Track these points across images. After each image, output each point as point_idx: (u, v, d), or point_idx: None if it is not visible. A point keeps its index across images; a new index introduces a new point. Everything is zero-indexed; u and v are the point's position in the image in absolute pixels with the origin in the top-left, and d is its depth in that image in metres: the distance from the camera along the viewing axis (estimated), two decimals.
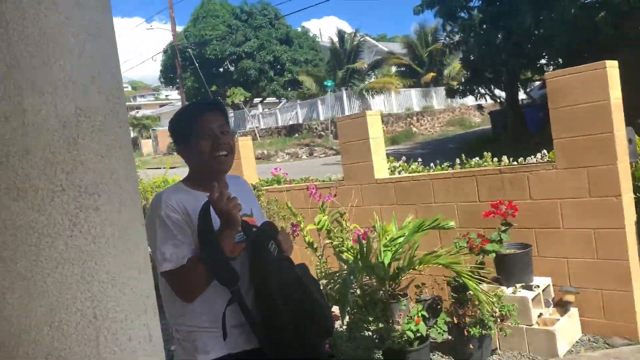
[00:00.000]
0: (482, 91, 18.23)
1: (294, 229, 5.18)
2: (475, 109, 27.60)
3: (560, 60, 16.37)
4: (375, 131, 5.07)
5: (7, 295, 0.75)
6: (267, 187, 6.42)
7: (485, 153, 5.19)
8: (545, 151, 4.58)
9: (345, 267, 4.53)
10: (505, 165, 4.62)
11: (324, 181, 6.03)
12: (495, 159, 5.08)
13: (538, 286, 3.80)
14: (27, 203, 0.76)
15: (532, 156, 4.80)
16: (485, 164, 4.89)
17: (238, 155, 6.61)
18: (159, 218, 1.71)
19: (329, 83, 26.15)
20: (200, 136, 1.78)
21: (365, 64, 29.38)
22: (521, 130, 18.05)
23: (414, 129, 25.91)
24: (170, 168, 9.38)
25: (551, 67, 18.33)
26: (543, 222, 3.98)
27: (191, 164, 1.88)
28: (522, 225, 4.06)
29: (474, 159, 5.18)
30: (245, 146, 6.61)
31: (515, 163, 4.88)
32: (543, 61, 17.20)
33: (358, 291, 3.99)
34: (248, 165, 6.64)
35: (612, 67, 3.61)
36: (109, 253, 0.82)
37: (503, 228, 3.87)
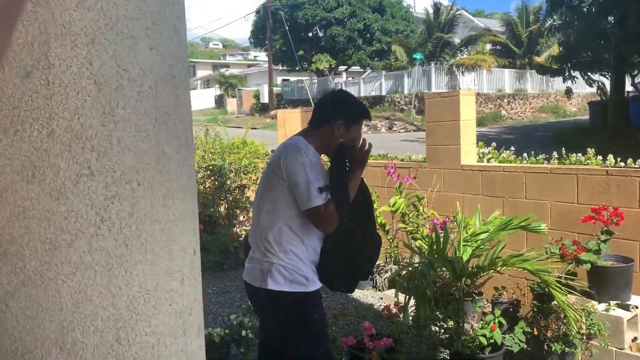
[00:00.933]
0: (574, 74, 16.78)
1: None
2: (565, 94, 25.81)
3: None
4: (468, 113, 4.69)
5: (11, 303, 0.57)
6: None
7: (589, 149, 4.67)
8: None
9: (417, 256, 4.27)
10: (612, 165, 4.12)
11: (402, 160, 5.72)
12: (600, 157, 4.56)
13: (637, 307, 3.36)
14: (43, 187, 0.56)
15: None
16: (588, 161, 4.40)
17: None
18: (308, 160, 2.05)
19: (417, 56, 25.24)
20: (352, 135, 2.22)
21: (458, 40, 28.09)
22: (622, 125, 16.62)
23: (503, 112, 24.64)
24: (252, 129, 9.36)
25: None
26: None
27: (330, 138, 2.21)
28: (625, 236, 3.60)
29: (574, 154, 4.68)
30: (289, 117, 6.40)
31: (622, 164, 4.35)
32: None
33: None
34: None
35: None
36: (145, 259, 0.62)
37: (603, 237, 3.44)
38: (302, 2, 31.46)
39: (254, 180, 6.30)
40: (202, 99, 48.43)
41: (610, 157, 4.55)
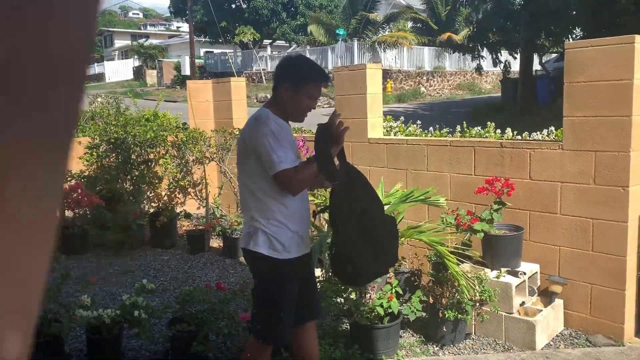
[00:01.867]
0: (482, 53, 17.45)
1: None
2: (485, 75, 26.87)
3: (576, 30, 15.65)
4: (374, 87, 4.69)
5: None
6: None
7: (488, 123, 4.83)
8: (552, 128, 4.22)
9: (326, 227, 4.27)
10: (508, 138, 4.27)
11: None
12: (499, 131, 4.73)
13: (524, 273, 3.53)
14: None
15: (538, 132, 4.45)
16: (487, 135, 4.54)
17: (229, 97, 6.24)
18: (269, 130, 2.17)
19: (340, 32, 25.28)
20: (309, 95, 2.29)
21: (381, 16, 28.34)
22: (531, 102, 17.51)
23: (423, 89, 25.26)
24: (167, 101, 8.82)
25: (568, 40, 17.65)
26: (540, 205, 3.67)
27: (284, 103, 2.30)
28: (517, 206, 3.76)
29: (475, 128, 4.83)
30: (237, 87, 6.22)
31: (519, 137, 4.53)
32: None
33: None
34: (239, 107, 6.27)
35: None
36: None
37: (496, 207, 3.57)
38: None
39: (163, 154, 6.04)
40: (120, 70, 46.25)
41: (508, 130, 4.74)
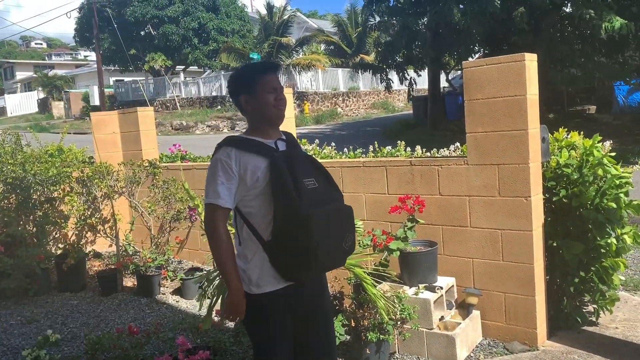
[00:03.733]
0: (389, 73, 18.19)
1: (191, 213, 4.73)
2: (397, 93, 27.90)
3: (476, 47, 16.63)
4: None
5: None
6: (169, 164, 5.87)
7: (399, 142, 4.95)
8: (458, 144, 4.38)
9: None
10: (417, 156, 4.38)
11: None
12: (409, 149, 4.85)
13: (441, 287, 3.60)
14: None
15: (445, 148, 4.61)
16: (397, 153, 4.64)
17: (137, 127, 6.01)
18: (215, 159, 2.09)
19: (254, 56, 25.36)
20: (267, 90, 2.14)
21: (294, 40, 28.75)
22: (441, 118, 18.32)
23: (339, 109, 25.77)
24: (76, 134, 8.23)
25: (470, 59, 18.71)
26: (451, 219, 3.78)
27: (252, 115, 2.18)
28: (430, 221, 3.84)
29: (387, 148, 4.93)
30: (145, 117, 6.00)
31: (428, 154, 4.67)
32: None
33: None
34: (148, 138, 6.04)
35: (531, 61, 3.41)
36: None
37: (409, 225, 3.62)
38: (129, 0, 29.67)
39: (68, 191, 5.67)
40: (23, 103, 43.73)
41: (418, 148, 4.87)
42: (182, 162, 5.83)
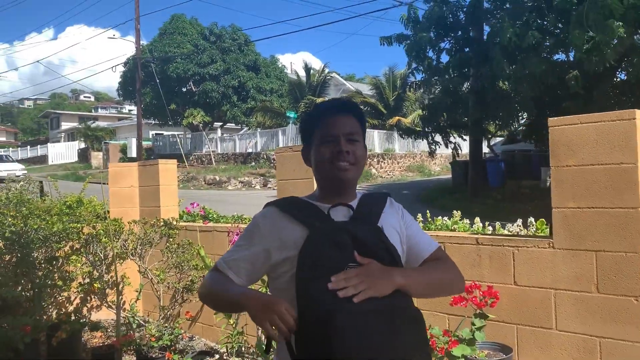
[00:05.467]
0: (435, 136, 17.52)
1: None
2: (429, 155, 27.20)
3: (524, 115, 15.92)
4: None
5: None
6: (188, 224, 5.21)
7: (454, 212, 4.18)
8: (532, 219, 3.58)
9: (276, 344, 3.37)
10: (479, 230, 3.59)
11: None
12: (467, 221, 4.07)
13: None
14: None
15: (513, 223, 3.80)
16: (455, 226, 3.86)
17: (156, 181, 5.42)
18: (253, 221, 1.58)
19: (291, 114, 25.28)
20: (323, 139, 1.56)
21: None
22: (481, 185, 17.43)
23: (374, 171, 25.15)
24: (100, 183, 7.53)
25: (515, 125, 18.02)
26: (530, 317, 2.94)
27: (314, 170, 1.62)
28: (501, 317, 3.01)
29: (440, 218, 4.15)
30: (166, 170, 5.41)
31: (490, 228, 3.88)
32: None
33: None
34: (168, 194, 5.43)
35: None
36: None
37: (477, 323, 2.80)
38: (173, 57, 30.43)
39: (77, 248, 5.05)
40: (64, 152, 44.85)
41: (477, 221, 4.07)
42: (203, 222, 5.16)
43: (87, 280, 4.91)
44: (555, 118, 2.85)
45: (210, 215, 5.65)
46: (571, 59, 11.89)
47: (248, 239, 1.55)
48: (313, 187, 3.93)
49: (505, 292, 3.00)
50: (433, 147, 17.73)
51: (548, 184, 16.81)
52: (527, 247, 2.96)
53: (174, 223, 4.80)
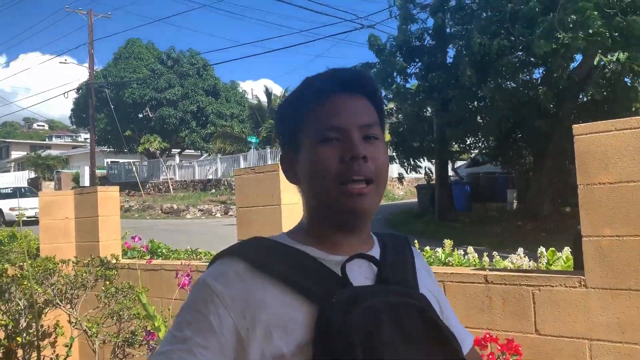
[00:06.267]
0: (405, 162, 17.22)
1: (149, 338, 3.26)
2: (397, 181, 26.93)
3: (490, 138, 15.76)
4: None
5: None
6: (131, 262, 4.44)
7: (445, 241, 3.58)
8: (542, 248, 3.01)
9: None
10: (486, 266, 2.99)
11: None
12: (461, 252, 3.48)
13: None
14: None
15: (521, 254, 3.22)
16: (449, 258, 3.26)
17: (95, 212, 4.64)
18: (201, 290, 0.86)
19: (252, 139, 24.64)
20: (318, 137, 0.88)
21: None
22: (448, 208, 17.11)
23: None
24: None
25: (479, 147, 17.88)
26: None
27: (304, 192, 0.93)
28: None
29: (429, 249, 3.54)
30: (106, 199, 4.64)
31: (488, 259, 3.29)
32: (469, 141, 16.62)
33: None
34: (108, 226, 4.64)
35: None
36: None
37: None
38: (129, 81, 29.43)
39: None
40: (12, 182, 42.86)
41: (471, 249, 3.49)
42: (148, 259, 4.40)
43: (9, 334, 4.07)
44: (583, 124, 2.30)
45: (159, 250, 4.90)
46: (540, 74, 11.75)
47: (197, 326, 0.83)
48: (280, 216, 3.28)
49: (525, 344, 2.39)
50: (403, 172, 17.43)
51: (515, 206, 16.70)
52: (552, 286, 2.36)
53: (113, 262, 4.02)
